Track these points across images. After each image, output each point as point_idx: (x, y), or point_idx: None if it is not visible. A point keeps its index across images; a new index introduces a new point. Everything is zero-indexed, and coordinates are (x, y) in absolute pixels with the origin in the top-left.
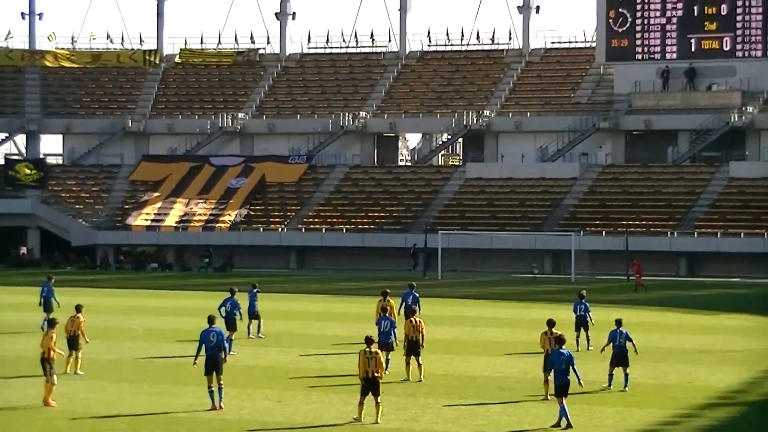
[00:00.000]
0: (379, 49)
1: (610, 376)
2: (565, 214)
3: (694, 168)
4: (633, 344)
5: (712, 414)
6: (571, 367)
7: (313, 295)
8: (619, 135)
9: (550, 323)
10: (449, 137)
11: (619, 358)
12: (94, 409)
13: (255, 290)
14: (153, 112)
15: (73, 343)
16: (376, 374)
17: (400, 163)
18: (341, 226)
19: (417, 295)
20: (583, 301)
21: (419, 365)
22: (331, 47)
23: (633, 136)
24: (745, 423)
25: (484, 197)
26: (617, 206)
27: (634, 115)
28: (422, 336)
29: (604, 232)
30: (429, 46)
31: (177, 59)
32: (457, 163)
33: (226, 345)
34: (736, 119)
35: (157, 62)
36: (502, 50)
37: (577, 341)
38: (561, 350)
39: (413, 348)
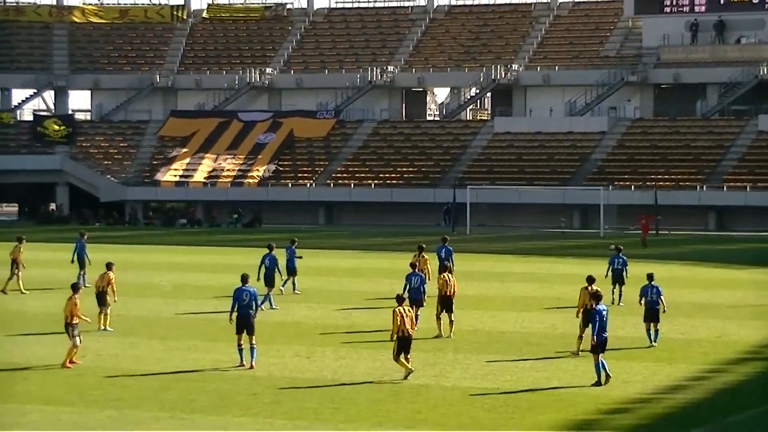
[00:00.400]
0: (406, 3)
1: (648, 332)
2: (593, 169)
3: (723, 122)
4: (662, 301)
5: (742, 369)
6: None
7: (342, 250)
8: (647, 89)
9: (590, 279)
10: (477, 92)
11: (652, 314)
12: (124, 365)
13: (293, 246)
14: (181, 68)
15: (101, 299)
16: (410, 332)
17: (428, 118)
18: (369, 182)
19: (450, 249)
20: (620, 255)
21: (451, 321)
22: (358, 1)
23: (661, 90)
24: None
25: (512, 152)
26: (646, 160)
27: (663, 68)
28: (453, 292)
29: (632, 187)
30: (456, 0)
31: (205, 14)
32: (485, 118)
33: (258, 304)
34: (766, 72)
35: (185, 17)
36: (530, 4)
37: (613, 295)
38: (600, 306)
39: (446, 303)
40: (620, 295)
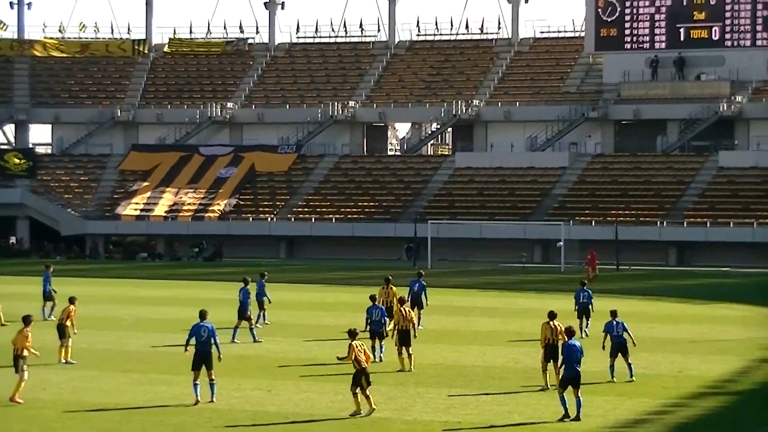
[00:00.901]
0: (368, 39)
1: (611, 367)
2: (554, 204)
3: (684, 157)
4: (630, 335)
5: (703, 403)
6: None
7: (303, 284)
8: (608, 124)
9: (552, 315)
10: (438, 127)
11: (619, 348)
12: (85, 398)
13: (263, 279)
14: (142, 102)
15: (62, 331)
16: (365, 365)
17: (389, 153)
18: (331, 216)
19: (424, 283)
20: (585, 288)
21: (410, 355)
22: (320, 36)
23: (622, 126)
24: (735, 413)
25: (473, 187)
26: (607, 195)
27: (624, 104)
28: (413, 326)
29: (593, 222)
30: (418, 35)
31: (166, 49)
32: (447, 153)
33: (218, 341)
34: (725, 109)
35: (146, 52)
36: (491, 40)
37: (580, 329)
38: (573, 342)
39: (404, 338)
40: (587, 326)
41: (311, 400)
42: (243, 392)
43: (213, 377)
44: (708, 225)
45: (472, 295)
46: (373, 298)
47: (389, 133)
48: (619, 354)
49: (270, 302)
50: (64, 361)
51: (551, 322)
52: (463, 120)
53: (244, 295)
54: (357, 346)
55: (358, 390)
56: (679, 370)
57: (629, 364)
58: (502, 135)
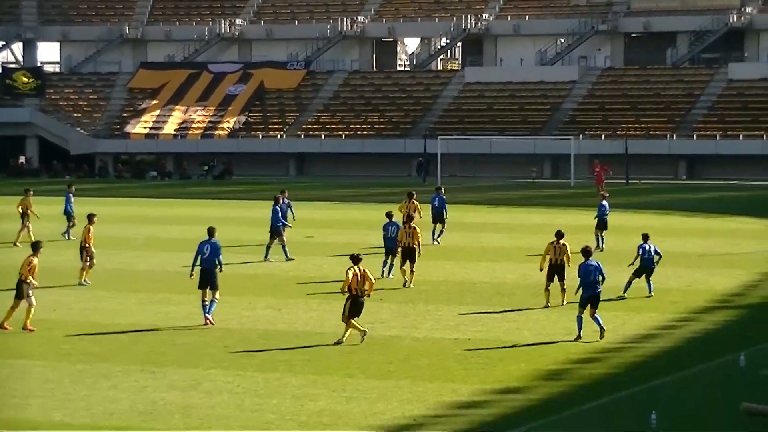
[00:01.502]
0: None
1: (628, 284)
2: (564, 118)
3: (693, 70)
4: (659, 255)
5: (711, 317)
6: (601, 276)
7: (314, 202)
8: (617, 37)
9: (559, 234)
10: (448, 42)
11: (645, 270)
12: (95, 319)
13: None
14: (150, 19)
15: (83, 251)
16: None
17: (398, 68)
18: (340, 133)
19: (444, 198)
20: (604, 202)
21: (412, 272)
22: None
23: (632, 39)
24: (743, 326)
25: (482, 102)
26: (616, 110)
27: (633, 17)
28: (418, 243)
29: (603, 136)
30: None
31: None
32: (456, 68)
33: (221, 258)
34: (735, 20)
35: None
36: None
37: (597, 241)
38: (590, 262)
39: (407, 254)
40: (602, 240)
41: (321, 318)
42: (254, 311)
43: (216, 296)
44: (718, 138)
45: (481, 211)
46: (389, 214)
47: (398, 48)
48: (643, 275)
49: (294, 219)
50: (80, 281)
51: (557, 242)
52: (473, 35)
53: (273, 214)
54: (355, 272)
55: (354, 320)
56: (688, 285)
57: (649, 282)
58: (512, 49)
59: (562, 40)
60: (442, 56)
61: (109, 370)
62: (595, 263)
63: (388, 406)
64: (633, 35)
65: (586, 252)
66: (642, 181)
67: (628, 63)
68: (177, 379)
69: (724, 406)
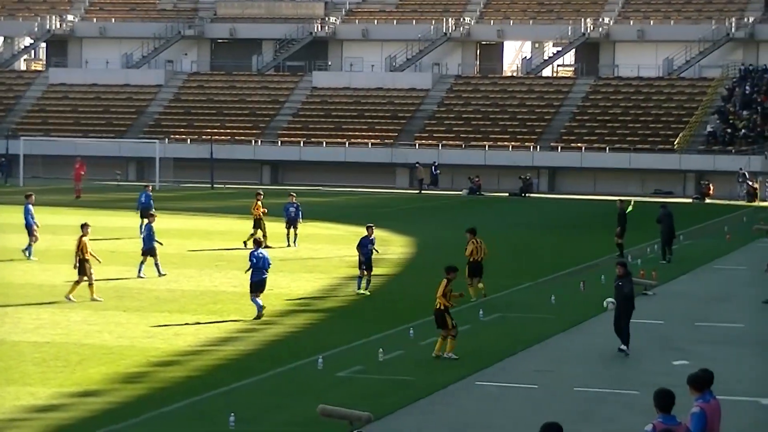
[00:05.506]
0: None
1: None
2: (150, 122)
3: (279, 77)
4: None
5: (291, 321)
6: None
7: None
8: (204, 43)
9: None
10: (32, 42)
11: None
12: None
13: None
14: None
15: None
16: None
17: None
18: None
19: (151, 194)
20: (293, 202)
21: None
22: None
23: (218, 45)
24: (322, 329)
25: (67, 103)
26: (202, 114)
27: (219, 23)
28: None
29: (189, 140)
30: None
31: None
32: (40, 68)
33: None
34: (320, 30)
35: None
36: None
37: (288, 240)
38: (257, 251)
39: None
40: (295, 238)
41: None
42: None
43: None
44: (302, 144)
45: (65, 213)
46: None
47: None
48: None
49: None
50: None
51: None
52: (57, 35)
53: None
54: None
55: None
56: (270, 288)
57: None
58: (98, 51)
59: (149, 44)
60: (25, 56)
61: None
62: (261, 253)
63: None
64: (219, 41)
65: (257, 243)
66: (227, 186)
67: (214, 68)
68: None
69: (302, 407)
